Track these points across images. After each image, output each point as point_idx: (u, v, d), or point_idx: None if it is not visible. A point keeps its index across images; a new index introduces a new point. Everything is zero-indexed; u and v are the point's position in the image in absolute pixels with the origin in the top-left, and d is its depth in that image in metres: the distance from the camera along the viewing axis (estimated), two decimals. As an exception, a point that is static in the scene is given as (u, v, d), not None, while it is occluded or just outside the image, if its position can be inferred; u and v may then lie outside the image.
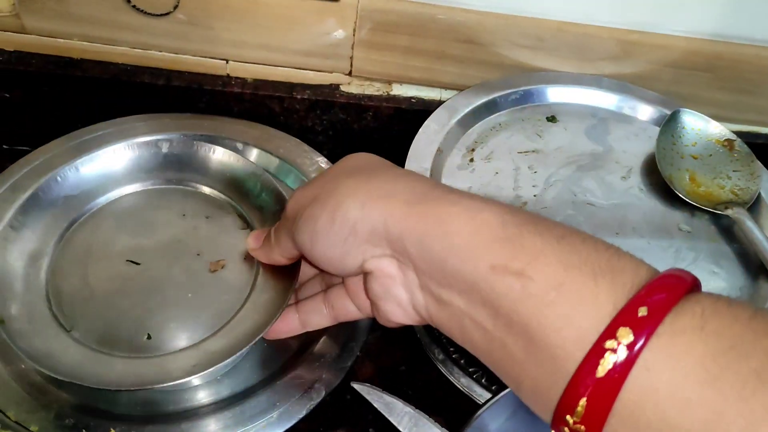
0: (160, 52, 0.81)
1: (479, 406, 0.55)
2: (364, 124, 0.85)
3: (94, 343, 0.54)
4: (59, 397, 0.57)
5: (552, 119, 0.77)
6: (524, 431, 0.53)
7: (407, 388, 0.70)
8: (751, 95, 0.80)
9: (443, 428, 0.53)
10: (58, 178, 0.62)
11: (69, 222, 0.62)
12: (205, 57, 0.81)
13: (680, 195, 0.69)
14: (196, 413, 0.57)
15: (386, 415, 0.53)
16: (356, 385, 0.55)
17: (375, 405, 0.54)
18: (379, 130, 0.86)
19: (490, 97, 0.77)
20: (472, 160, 0.72)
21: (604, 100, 0.79)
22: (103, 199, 0.64)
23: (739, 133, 0.84)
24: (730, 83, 0.79)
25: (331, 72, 0.82)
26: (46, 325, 0.55)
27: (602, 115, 0.78)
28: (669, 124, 0.74)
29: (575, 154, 0.74)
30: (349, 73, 0.82)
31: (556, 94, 0.79)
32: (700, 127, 0.75)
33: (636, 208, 0.69)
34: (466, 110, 0.76)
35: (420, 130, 0.72)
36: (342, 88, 0.84)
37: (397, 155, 0.86)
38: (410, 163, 0.69)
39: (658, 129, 0.74)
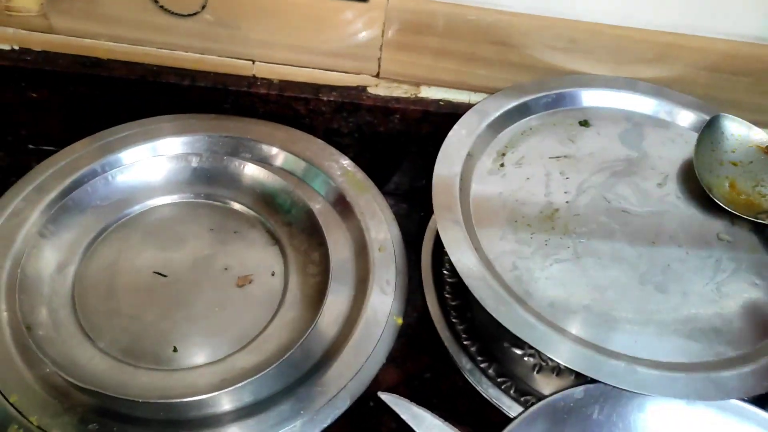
0: (186, 52, 0.80)
1: (509, 420, 0.54)
2: (391, 126, 0.84)
3: (119, 354, 0.54)
4: (83, 401, 0.56)
5: (585, 123, 0.75)
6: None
7: (432, 396, 0.69)
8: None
9: (473, 445, 0.51)
10: (89, 189, 0.62)
11: (97, 232, 0.62)
12: (232, 57, 0.80)
13: (719, 203, 0.66)
14: (218, 420, 0.56)
15: (414, 428, 0.52)
16: (384, 396, 0.54)
17: (403, 417, 0.53)
18: (406, 133, 0.84)
19: (522, 100, 0.75)
20: (502, 165, 0.70)
21: (640, 104, 0.77)
22: (131, 211, 0.64)
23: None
24: (770, 88, 0.76)
25: (358, 74, 0.81)
26: (71, 333, 0.54)
27: (637, 119, 0.76)
28: (708, 130, 0.71)
29: (609, 159, 0.72)
30: (377, 75, 0.81)
31: (589, 98, 0.77)
32: (741, 133, 0.72)
33: (673, 216, 0.67)
34: (497, 114, 0.73)
35: (450, 133, 0.71)
36: (369, 89, 0.82)
37: (425, 158, 0.84)
38: (440, 167, 0.67)
39: (695, 134, 0.72)
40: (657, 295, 0.60)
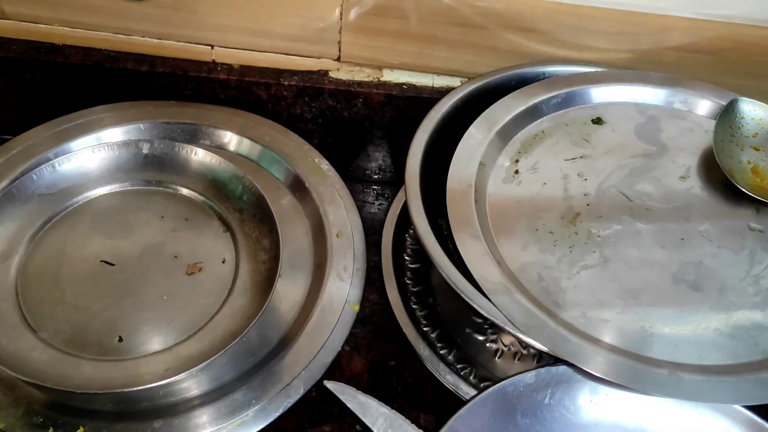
0: (144, 37, 0.78)
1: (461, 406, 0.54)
2: (355, 111, 0.83)
3: (63, 344, 0.53)
4: (29, 393, 0.55)
5: (598, 121, 0.72)
6: (505, 434, 0.51)
7: (398, 384, 0.68)
8: (756, 78, 0.76)
9: (420, 429, 0.51)
10: (34, 176, 0.61)
11: (43, 221, 0.60)
12: (190, 42, 0.79)
13: (743, 190, 0.63)
14: (168, 411, 0.56)
15: (360, 416, 0.51)
16: (329, 384, 0.54)
17: (348, 405, 0.52)
18: (371, 117, 0.83)
19: (531, 102, 0.71)
20: (517, 171, 0.67)
21: (652, 96, 0.73)
22: (79, 199, 0.63)
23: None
24: (735, 66, 0.75)
25: (320, 58, 0.80)
26: (13, 325, 0.53)
27: (652, 112, 0.72)
28: (726, 115, 0.68)
29: (627, 156, 0.67)
30: (338, 59, 0.80)
31: (600, 95, 0.73)
32: (760, 116, 0.70)
33: (699, 209, 0.63)
34: (507, 119, 0.68)
35: (460, 143, 0.67)
36: (331, 74, 0.81)
37: (390, 142, 0.84)
38: (452, 182, 0.62)
39: (714, 122, 0.69)
40: (692, 294, 0.57)
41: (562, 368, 0.53)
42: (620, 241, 0.60)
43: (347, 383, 0.68)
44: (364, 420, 0.51)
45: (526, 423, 0.52)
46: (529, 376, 0.52)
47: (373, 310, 0.72)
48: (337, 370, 0.68)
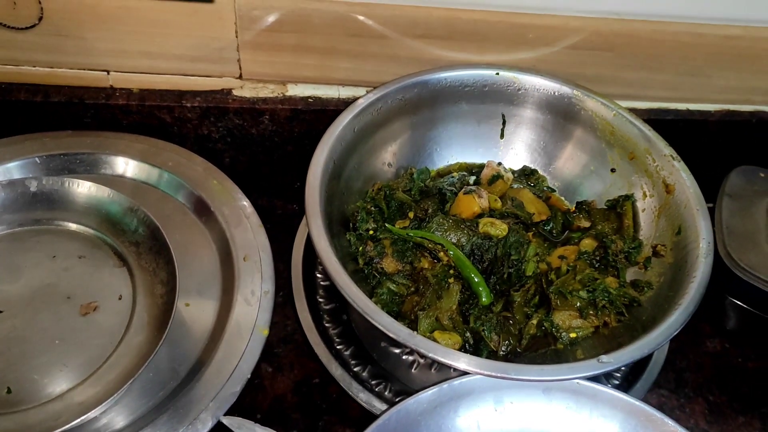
0: (34, 67, 0.76)
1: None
2: (263, 128, 0.81)
3: (-55, 401, 0.51)
4: None
5: None
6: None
7: (322, 401, 0.68)
8: (654, 71, 0.77)
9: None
10: None
11: (-76, 271, 0.58)
12: (84, 69, 0.77)
13: None
14: (70, 460, 0.54)
15: (260, 453, 0.50)
16: (226, 420, 0.53)
17: (246, 441, 0.51)
18: (279, 132, 0.82)
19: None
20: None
21: None
22: (-37, 246, 0.60)
23: (647, 111, 0.82)
24: (633, 61, 0.76)
25: (221, 77, 0.78)
26: None
27: None
28: None
29: None
30: (240, 77, 0.78)
31: None
32: None
33: None
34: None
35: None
36: (234, 92, 0.80)
37: (301, 156, 0.82)
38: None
39: None
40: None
41: (465, 380, 0.53)
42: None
43: (271, 404, 0.67)
44: (264, 455, 0.50)
45: (432, 439, 0.52)
46: (432, 393, 0.52)
47: (293, 329, 0.71)
48: (260, 392, 0.67)
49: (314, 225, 0.60)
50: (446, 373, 0.66)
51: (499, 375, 0.52)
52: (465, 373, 0.55)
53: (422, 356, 0.59)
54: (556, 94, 0.75)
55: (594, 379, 0.56)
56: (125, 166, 0.73)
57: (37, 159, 0.71)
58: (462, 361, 0.52)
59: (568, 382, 0.54)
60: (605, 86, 0.76)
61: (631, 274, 0.69)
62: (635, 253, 0.69)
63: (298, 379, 0.69)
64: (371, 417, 0.63)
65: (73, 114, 0.78)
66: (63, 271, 0.59)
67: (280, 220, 0.82)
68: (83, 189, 0.61)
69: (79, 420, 0.49)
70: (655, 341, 0.55)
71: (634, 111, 0.72)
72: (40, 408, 0.51)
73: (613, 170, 0.74)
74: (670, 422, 0.52)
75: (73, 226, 0.62)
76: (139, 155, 0.73)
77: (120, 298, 0.58)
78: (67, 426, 0.49)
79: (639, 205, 0.71)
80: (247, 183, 0.77)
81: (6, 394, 0.52)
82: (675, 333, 0.55)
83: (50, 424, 0.49)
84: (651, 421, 0.52)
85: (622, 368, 0.68)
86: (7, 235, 0.61)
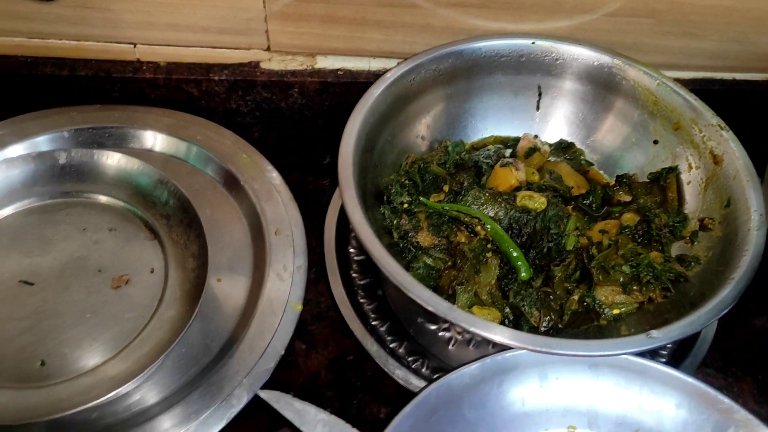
0: (61, 40, 0.74)
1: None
2: (292, 101, 0.79)
3: (-21, 375, 0.50)
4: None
5: None
6: (451, 428, 0.49)
7: (356, 379, 0.66)
8: (697, 38, 0.74)
9: None
10: (-58, 198, 0.57)
11: (-44, 244, 0.57)
12: (111, 42, 0.75)
13: None
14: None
15: (297, 425, 0.49)
16: (263, 394, 0.51)
17: (285, 415, 0.50)
18: (309, 106, 0.80)
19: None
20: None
21: None
22: (-6, 218, 0.59)
23: (691, 81, 0.79)
24: (675, 28, 0.73)
25: (249, 49, 0.76)
26: None
27: None
28: None
29: None
30: (268, 49, 0.76)
31: None
32: None
33: None
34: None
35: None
36: (262, 65, 0.78)
37: (331, 130, 0.80)
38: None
39: None
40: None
41: (509, 355, 0.51)
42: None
43: (305, 382, 0.65)
44: (302, 429, 0.48)
45: (474, 416, 0.50)
46: (474, 368, 0.50)
47: (327, 306, 0.69)
48: (294, 369, 0.66)
49: (348, 197, 0.58)
50: (484, 350, 0.64)
51: (544, 350, 0.50)
52: (506, 349, 0.53)
53: (463, 331, 0.57)
54: (596, 63, 0.72)
55: (640, 356, 0.54)
56: (154, 139, 0.71)
57: (65, 133, 0.70)
58: (505, 335, 0.50)
59: (616, 358, 0.52)
60: (646, 55, 0.73)
61: (676, 248, 0.66)
62: (680, 227, 0.66)
63: (332, 357, 0.67)
64: (407, 395, 0.62)
65: (100, 88, 0.77)
66: (94, 243, 0.58)
67: (311, 195, 0.80)
68: (113, 161, 0.60)
69: (110, 395, 0.48)
70: (706, 316, 0.53)
71: (677, 81, 0.69)
72: (72, 382, 0.50)
73: (655, 142, 0.71)
74: (725, 399, 0.50)
75: (103, 199, 0.61)
76: (167, 129, 0.72)
77: (152, 272, 0.57)
78: (99, 401, 0.48)
79: (684, 177, 0.69)
80: (276, 158, 0.76)
81: (40, 367, 0.51)
82: (729, 308, 0.53)
83: (82, 398, 0.48)
84: (705, 398, 0.50)
85: (668, 346, 0.65)
86: (38, 208, 0.60)
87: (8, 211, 0.60)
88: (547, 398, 0.51)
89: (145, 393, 0.55)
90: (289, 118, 0.81)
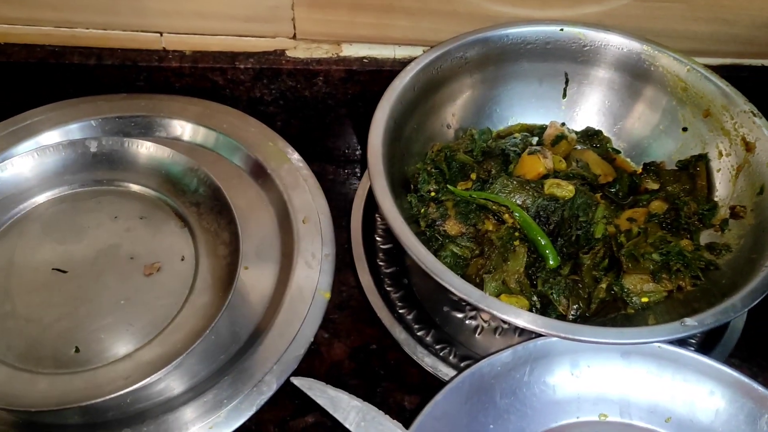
0: (88, 29, 0.75)
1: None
2: (316, 90, 0.79)
3: (16, 361, 0.50)
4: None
5: None
6: (482, 415, 0.49)
7: (380, 368, 0.66)
8: (727, 24, 0.73)
9: (392, 420, 0.48)
10: (-26, 186, 0.58)
11: (-11, 231, 0.57)
12: (137, 31, 0.75)
13: None
14: (137, 418, 0.53)
15: (331, 412, 0.49)
16: (296, 381, 0.51)
17: (318, 401, 0.50)
18: (333, 95, 0.80)
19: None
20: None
21: None
22: (26, 205, 0.60)
23: (719, 68, 0.78)
24: (706, 13, 0.72)
25: (274, 37, 0.76)
26: (-40, 343, 0.51)
27: None
28: None
29: None
30: (294, 37, 0.76)
31: None
32: None
33: None
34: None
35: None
36: (288, 53, 0.77)
37: (355, 119, 0.80)
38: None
39: None
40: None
41: (540, 343, 0.51)
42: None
43: (328, 371, 0.66)
44: (335, 415, 0.49)
45: (505, 403, 0.50)
46: (506, 355, 0.50)
47: (350, 294, 0.69)
48: (317, 358, 0.66)
49: (378, 185, 0.58)
50: (510, 338, 0.64)
51: (576, 337, 0.50)
52: (535, 337, 0.53)
53: (495, 318, 0.57)
54: (625, 50, 0.71)
55: (672, 344, 0.54)
56: (180, 129, 0.72)
57: (92, 122, 0.70)
58: (538, 323, 0.50)
59: (649, 346, 0.51)
60: (675, 41, 0.72)
61: (705, 237, 0.65)
62: (710, 215, 0.66)
63: (356, 345, 0.68)
64: (431, 384, 0.62)
65: (125, 77, 0.77)
66: (125, 231, 0.58)
67: (333, 185, 0.80)
68: (144, 149, 0.60)
69: (147, 380, 0.49)
70: (741, 303, 0.52)
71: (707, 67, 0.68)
72: (109, 367, 0.51)
73: (684, 129, 0.70)
74: (760, 387, 0.49)
75: (134, 187, 0.61)
76: (193, 118, 0.72)
77: (183, 259, 0.57)
78: (133, 387, 0.48)
79: (713, 164, 0.68)
80: (298, 147, 0.76)
81: (75, 353, 0.51)
82: (764, 295, 0.52)
83: (120, 383, 0.49)
84: (739, 386, 0.50)
85: (698, 335, 0.65)
86: (69, 196, 0.61)
87: (41, 199, 0.60)
88: (579, 386, 0.51)
89: (176, 379, 0.56)
90: (313, 107, 0.81)
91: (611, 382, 0.51)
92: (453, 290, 0.52)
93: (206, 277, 0.55)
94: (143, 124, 0.72)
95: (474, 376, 0.49)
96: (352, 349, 0.67)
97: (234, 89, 0.79)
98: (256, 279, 0.63)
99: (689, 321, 0.51)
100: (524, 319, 0.51)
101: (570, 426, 0.51)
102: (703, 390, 0.51)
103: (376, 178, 0.58)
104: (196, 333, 0.51)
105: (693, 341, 0.64)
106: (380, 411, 0.50)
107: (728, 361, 0.67)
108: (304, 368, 0.64)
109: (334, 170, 0.83)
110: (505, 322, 0.51)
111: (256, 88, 0.79)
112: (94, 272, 0.56)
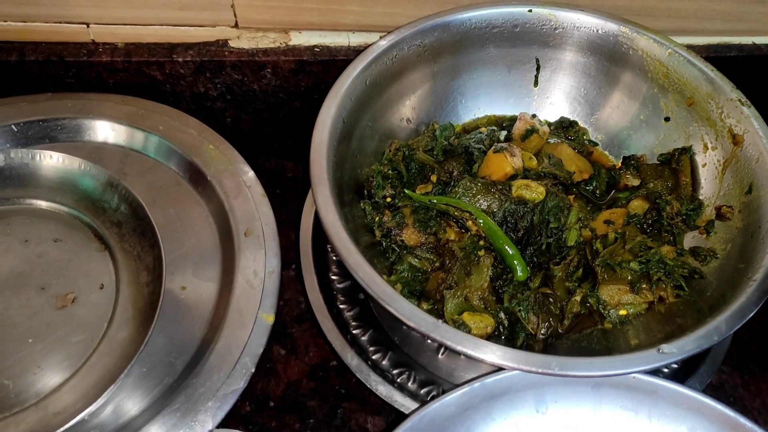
0: (6, 21, 0.67)
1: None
2: (265, 82, 0.72)
3: None
4: None
5: None
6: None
7: (340, 386, 0.61)
8: (715, 0, 0.66)
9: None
10: None
11: None
12: (61, 23, 0.68)
13: None
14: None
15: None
16: (217, 432, 0.45)
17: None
18: (284, 88, 0.73)
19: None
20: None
21: None
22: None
23: (706, 47, 0.71)
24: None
25: (214, 26, 0.69)
26: None
27: None
28: None
29: None
30: (236, 25, 0.69)
31: None
32: None
33: None
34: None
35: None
36: (231, 43, 0.70)
37: (309, 114, 0.73)
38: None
39: None
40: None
41: (500, 377, 0.45)
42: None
43: (286, 391, 0.60)
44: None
45: (462, 447, 0.44)
46: (460, 394, 0.44)
47: (308, 306, 0.63)
48: (273, 377, 0.61)
49: (321, 194, 0.52)
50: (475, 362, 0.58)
51: (540, 371, 0.44)
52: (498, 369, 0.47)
53: (449, 349, 0.51)
54: (600, 32, 0.64)
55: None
56: (111, 131, 0.65)
57: (13, 126, 0.64)
58: (496, 355, 0.44)
59: (623, 378, 0.45)
60: (655, 20, 0.66)
61: (690, 240, 0.59)
62: (694, 216, 0.59)
63: (315, 363, 0.62)
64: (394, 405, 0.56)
65: (53, 74, 0.70)
66: (36, 257, 0.52)
67: (291, 184, 0.74)
68: (53, 161, 0.53)
69: (56, 432, 0.42)
70: (726, 325, 0.46)
71: (690, 48, 0.62)
72: (11, 419, 0.44)
73: (667, 119, 0.64)
74: (747, 422, 0.43)
75: (45, 205, 0.55)
76: (126, 119, 0.65)
77: (101, 288, 0.51)
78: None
79: (698, 159, 0.62)
80: (252, 144, 0.70)
81: (-27, 401, 0.45)
82: (752, 314, 0.46)
83: (21, 437, 0.43)
84: (723, 420, 0.44)
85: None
86: (-27, 218, 0.54)
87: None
88: (545, 426, 0.45)
89: (102, 420, 0.50)
90: (263, 101, 0.74)
91: (582, 420, 0.46)
92: (402, 318, 0.46)
93: (127, 308, 0.49)
94: (70, 128, 0.65)
95: (424, 420, 0.43)
96: (310, 366, 0.62)
97: (175, 84, 0.72)
98: (194, 300, 0.57)
99: (667, 348, 0.45)
100: (482, 351, 0.45)
101: (535, 469, 0.45)
102: (682, 427, 0.45)
103: (319, 187, 0.52)
104: (115, 374, 0.45)
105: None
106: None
107: (719, 369, 0.62)
108: (259, 390, 0.59)
109: (292, 168, 0.77)
110: (461, 354, 0.45)
111: (199, 82, 0.72)
112: (-2, 306, 0.49)
